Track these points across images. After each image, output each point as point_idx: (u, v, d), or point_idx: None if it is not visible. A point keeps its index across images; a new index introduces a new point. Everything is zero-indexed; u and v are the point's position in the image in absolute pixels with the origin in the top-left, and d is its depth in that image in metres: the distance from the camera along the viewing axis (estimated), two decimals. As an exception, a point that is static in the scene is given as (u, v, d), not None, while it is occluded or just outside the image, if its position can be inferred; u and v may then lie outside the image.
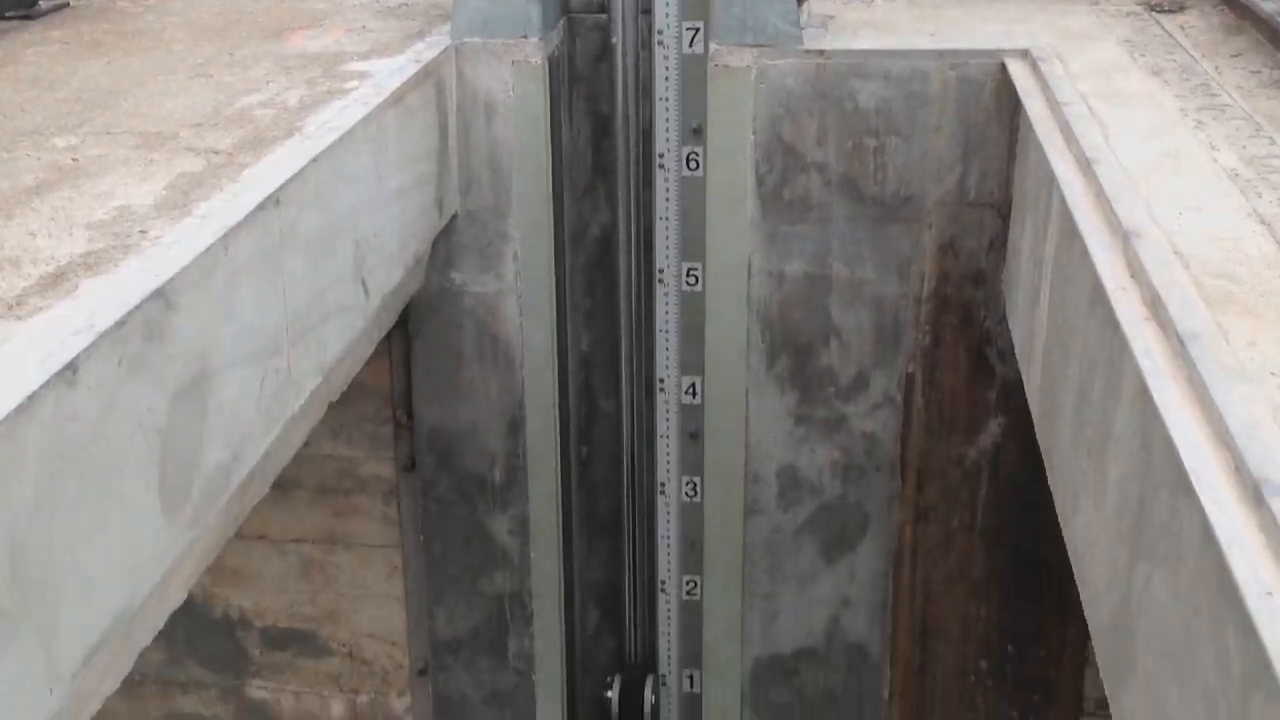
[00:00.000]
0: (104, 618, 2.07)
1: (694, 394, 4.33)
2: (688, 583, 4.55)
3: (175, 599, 2.43)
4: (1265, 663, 1.51)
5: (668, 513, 4.49)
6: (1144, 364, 2.08)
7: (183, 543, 2.34)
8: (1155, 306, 2.22)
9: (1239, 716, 1.63)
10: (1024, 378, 3.39)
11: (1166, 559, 1.98)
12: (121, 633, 2.15)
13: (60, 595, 1.91)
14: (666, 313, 4.27)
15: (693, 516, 4.43)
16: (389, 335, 4.00)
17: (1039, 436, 3.13)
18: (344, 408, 4.05)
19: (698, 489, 4.42)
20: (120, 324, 2.10)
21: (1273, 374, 1.96)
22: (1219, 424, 1.85)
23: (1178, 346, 2.07)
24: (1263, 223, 2.51)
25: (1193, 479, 1.80)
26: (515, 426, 4.24)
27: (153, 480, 2.23)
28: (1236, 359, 2.00)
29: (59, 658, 1.92)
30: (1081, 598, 2.58)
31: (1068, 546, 2.73)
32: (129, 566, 2.14)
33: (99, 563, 2.03)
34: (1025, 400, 3.34)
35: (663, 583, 4.59)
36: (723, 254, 4.06)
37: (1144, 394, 2.06)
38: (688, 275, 4.21)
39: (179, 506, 2.32)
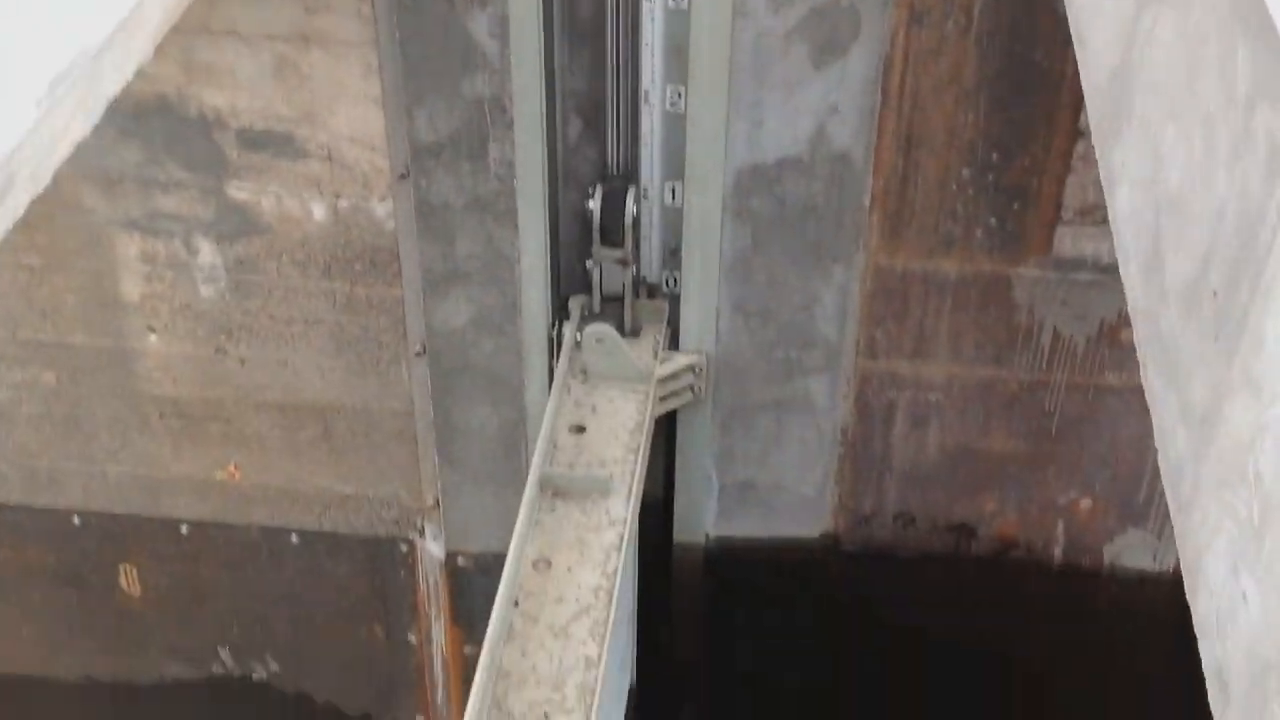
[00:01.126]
0: (67, 50, 1.99)
1: (683, -112, 4.08)
2: (672, 93, 4.46)
3: (141, 49, 2.34)
4: None
5: (652, 18, 4.33)
6: None
7: (143, -13, 2.24)
8: None
9: (1239, 132, 1.60)
10: None
11: (1178, -4, 1.90)
12: (87, 69, 2.07)
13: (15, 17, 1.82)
14: None
15: (678, 22, 4.27)
16: None
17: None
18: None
19: (684, -8, 4.25)
20: None
21: None
22: None
23: None
24: None
25: (1221, -107, 1.68)
26: (493, -82, 4.01)
27: (105, -89, 2.10)
28: None
29: (21, 82, 1.86)
30: (1080, 64, 2.51)
31: (1069, 14, 2.63)
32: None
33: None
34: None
35: (646, 93, 4.49)
36: None
37: None
38: None
39: (136, -55, 2.20)
